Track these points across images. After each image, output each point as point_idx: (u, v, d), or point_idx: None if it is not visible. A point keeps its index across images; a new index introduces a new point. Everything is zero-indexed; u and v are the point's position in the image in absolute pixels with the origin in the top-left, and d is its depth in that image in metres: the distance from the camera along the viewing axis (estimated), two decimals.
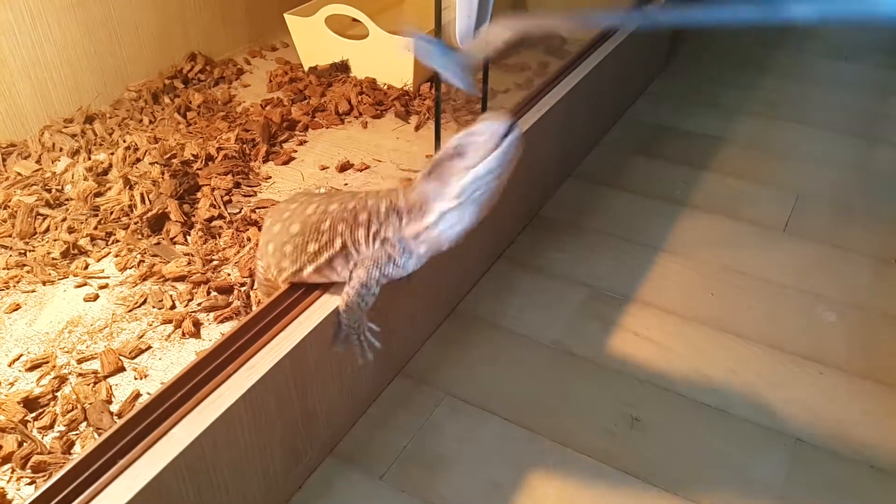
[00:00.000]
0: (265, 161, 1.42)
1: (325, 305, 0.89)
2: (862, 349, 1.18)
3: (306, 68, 1.75)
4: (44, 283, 1.13)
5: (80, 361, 1.00)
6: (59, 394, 0.96)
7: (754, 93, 2.04)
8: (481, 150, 0.77)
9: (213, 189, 1.30)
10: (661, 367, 1.15)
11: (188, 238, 1.20)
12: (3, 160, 1.37)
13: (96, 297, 1.11)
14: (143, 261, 1.16)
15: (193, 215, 1.24)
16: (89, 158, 1.38)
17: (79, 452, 0.88)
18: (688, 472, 0.98)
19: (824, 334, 1.21)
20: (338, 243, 0.88)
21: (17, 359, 1.00)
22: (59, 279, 1.14)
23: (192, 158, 1.38)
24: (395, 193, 0.87)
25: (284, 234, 0.92)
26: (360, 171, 1.41)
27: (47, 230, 1.22)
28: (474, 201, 0.80)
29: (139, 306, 1.09)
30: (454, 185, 0.79)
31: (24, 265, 1.15)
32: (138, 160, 1.38)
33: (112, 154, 1.38)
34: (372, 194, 0.89)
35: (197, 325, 1.05)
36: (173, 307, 1.08)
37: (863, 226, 1.48)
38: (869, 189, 1.62)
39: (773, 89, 2.07)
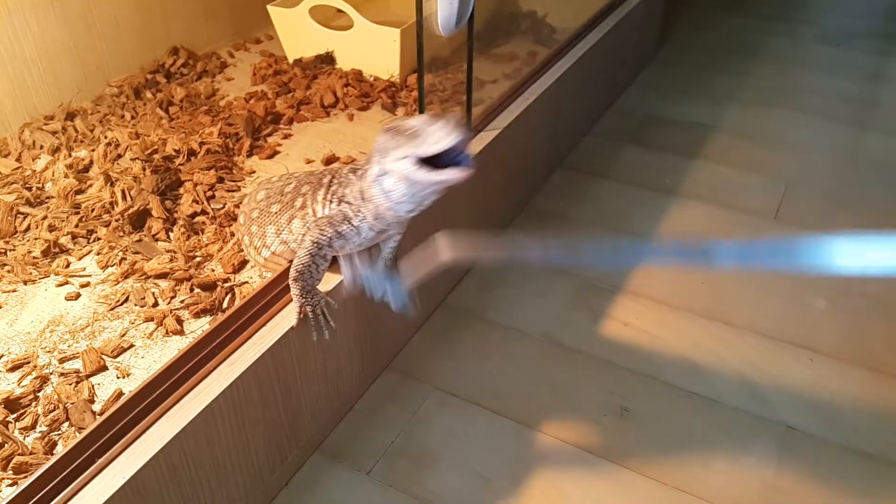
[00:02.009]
0: (249, 155, 1.40)
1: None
2: (852, 336, 1.18)
3: (291, 61, 1.73)
4: (25, 283, 1.11)
5: (61, 361, 0.99)
6: (40, 394, 0.94)
7: (745, 80, 2.03)
8: (424, 145, 0.76)
9: (195, 184, 1.28)
10: (651, 356, 1.14)
11: (170, 234, 1.18)
12: None
13: (78, 295, 1.09)
14: (125, 258, 1.14)
15: (176, 211, 1.23)
16: (70, 155, 1.36)
17: (60, 451, 0.87)
18: (678, 461, 0.98)
19: (815, 322, 1.20)
20: (298, 202, 0.89)
21: None
22: (40, 278, 1.12)
23: (174, 154, 1.37)
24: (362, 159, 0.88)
25: (252, 202, 0.96)
26: (347, 164, 1.39)
27: (28, 229, 1.20)
28: (410, 184, 0.80)
29: (121, 304, 1.07)
30: (396, 152, 0.78)
31: (5, 264, 1.13)
32: (119, 156, 1.36)
33: (93, 151, 1.36)
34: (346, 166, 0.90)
35: (180, 322, 1.03)
36: (156, 305, 1.07)
37: (853, 212, 1.47)
38: (859, 176, 1.61)
39: (764, 76, 2.06)
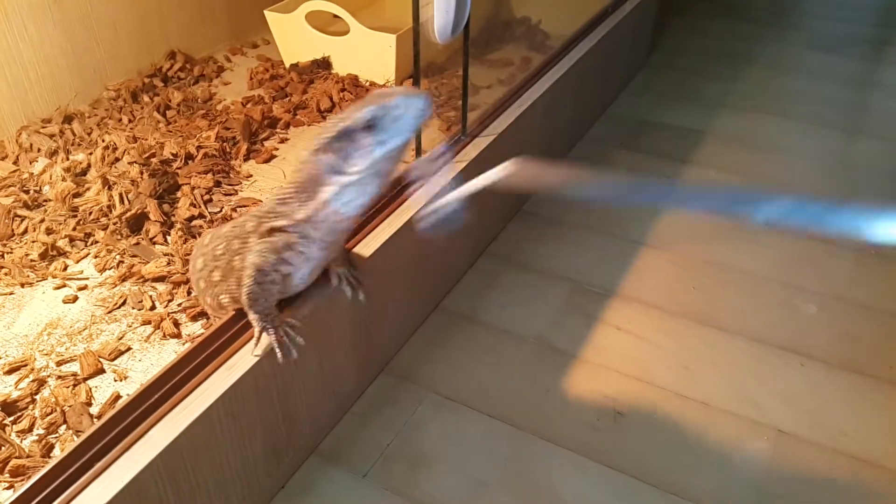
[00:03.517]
0: (246, 159, 1.41)
1: (304, 304, 0.89)
2: (842, 341, 1.19)
3: (287, 65, 1.74)
4: (22, 285, 1.11)
5: (59, 364, 0.99)
6: (37, 397, 0.95)
7: (737, 86, 2.05)
8: (397, 124, 0.74)
9: (193, 188, 1.29)
10: (644, 360, 1.15)
11: (168, 238, 1.19)
12: None
13: (75, 298, 1.09)
14: (123, 261, 1.14)
15: (173, 215, 1.23)
16: (67, 159, 1.36)
17: (58, 456, 0.87)
18: (670, 466, 0.99)
19: (805, 326, 1.22)
20: (236, 261, 0.84)
21: None
22: (37, 281, 1.12)
23: (171, 157, 1.37)
24: (281, 189, 0.83)
25: (195, 272, 0.91)
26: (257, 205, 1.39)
27: (25, 231, 1.20)
28: (377, 174, 0.77)
29: (119, 307, 1.08)
30: (361, 158, 0.76)
31: (2, 267, 1.13)
32: (117, 160, 1.36)
33: (90, 154, 1.37)
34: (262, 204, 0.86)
35: (177, 325, 1.04)
36: (153, 308, 1.07)
37: None
38: (849, 181, 1.63)
39: (755, 82, 2.08)
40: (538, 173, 0.58)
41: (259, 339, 0.82)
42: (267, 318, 0.82)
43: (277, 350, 0.82)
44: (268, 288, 0.81)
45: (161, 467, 0.72)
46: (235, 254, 0.85)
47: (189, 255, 1.15)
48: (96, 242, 1.18)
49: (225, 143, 1.42)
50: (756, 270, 1.34)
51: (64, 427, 0.91)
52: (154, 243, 1.18)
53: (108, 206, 1.23)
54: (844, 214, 0.39)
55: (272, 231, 0.82)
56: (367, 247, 1.00)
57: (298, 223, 0.81)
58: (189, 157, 1.38)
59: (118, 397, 0.95)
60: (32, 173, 1.32)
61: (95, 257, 1.16)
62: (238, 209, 1.26)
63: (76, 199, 1.26)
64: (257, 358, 0.81)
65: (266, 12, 1.72)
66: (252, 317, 0.82)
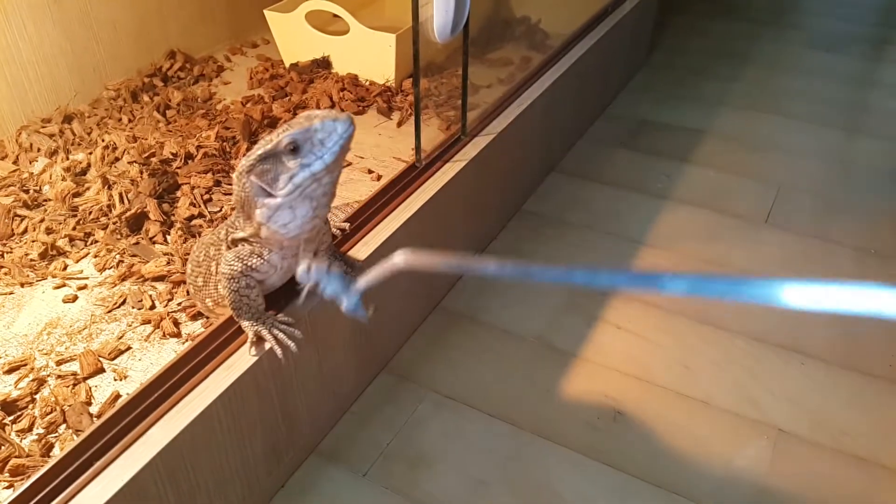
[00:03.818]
0: None
1: (303, 303, 0.89)
2: (843, 339, 1.19)
3: (287, 65, 1.74)
4: (22, 285, 1.11)
5: (58, 363, 0.99)
6: (37, 396, 0.94)
7: (736, 85, 2.05)
8: (319, 147, 0.73)
9: (192, 188, 1.28)
10: (644, 359, 1.15)
11: (168, 237, 1.19)
12: None
13: (75, 298, 1.09)
14: (123, 261, 1.14)
15: (173, 214, 1.23)
16: (67, 158, 1.36)
17: (57, 455, 0.87)
18: (670, 465, 0.99)
19: (806, 325, 1.22)
20: (213, 267, 0.88)
21: None
22: (37, 280, 1.12)
23: (171, 157, 1.37)
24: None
25: (188, 276, 0.96)
26: (343, 167, 1.40)
27: (25, 231, 1.20)
28: (307, 197, 0.76)
29: (118, 307, 1.07)
30: (285, 181, 0.75)
31: (2, 267, 1.13)
32: (117, 159, 1.36)
33: (90, 154, 1.37)
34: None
35: (177, 324, 1.04)
36: (153, 307, 1.07)
37: (844, 217, 1.49)
38: (850, 180, 1.63)
39: (755, 81, 2.08)
40: (425, 262, 0.58)
41: (254, 342, 0.82)
42: (258, 320, 0.83)
43: (276, 348, 0.82)
44: (246, 293, 0.82)
45: (161, 467, 0.72)
46: (212, 260, 0.88)
47: (188, 254, 1.15)
48: (96, 242, 1.18)
49: (225, 143, 1.42)
50: (756, 269, 1.34)
51: (64, 426, 0.91)
52: (154, 243, 1.18)
53: (108, 206, 1.23)
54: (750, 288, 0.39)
55: (235, 242, 0.84)
56: (366, 246, 1.00)
57: (252, 236, 0.82)
58: (189, 156, 1.38)
59: (118, 396, 0.95)
60: (32, 173, 1.32)
61: (95, 257, 1.16)
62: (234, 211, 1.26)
63: (76, 199, 1.26)
64: (256, 357, 0.81)
65: (266, 12, 1.72)
66: (243, 324, 0.83)
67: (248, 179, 0.77)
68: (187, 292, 1.09)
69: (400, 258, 0.58)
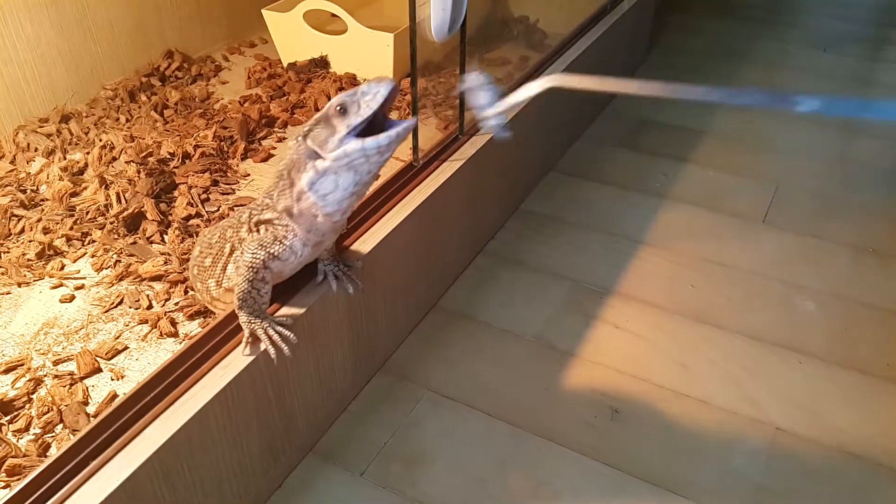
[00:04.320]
0: (243, 158, 1.41)
1: (300, 302, 0.89)
2: (840, 338, 1.19)
3: (285, 64, 1.74)
4: (19, 285, 1.11)
5: (55, 363, 0.99)
6: (34, 396, 0.94)
7: (734, 84, 2.05)
8: (364, 105, 0.76)
9: (190, 187, 1.28)
10: (642, 358, 1.15)
11: (165, 237, 1.19)
12: None
13: (72, 297, 1.09)
14: (120, 261, 1.14)
15: (170, 214, 1.23)
16: (65, 158, 1.36)
17: (54, 454, 0.87)
18: (668, 463, 0.99)
19: (804, 324, 1.22)
20: (227, 248, 0.88)
21: None
22: (34, 280, 1.12)
23: (168, 157, 1.37)
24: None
25: (193, 259, 0.95)
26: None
27: (22, 231, 1.20)
28: (353, 168, 0.78)
29: (115, 307, 1.07)
30: (333, 145, 0.77)
31: None
32: (114, 159, 1.36)
33: (88, 153, 1.37)
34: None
35: (174, 324, 1.04)
36: (150, 307, 1.07)
37: (841, 216, 1.49)
38: (847, 180, 1.63)
39: (753, 80, 2.08)
40: (574, 82, 0.60)
41: (249, 340, 0.82)
42: (256, 319, 0.82)
43: (270, 348, 0.81)
44: (259, 286, 0.82)
45: (157, 466, 0.72)
46: (227, 241, 0.88)
47: (186, 254, 1.15)
48: (93, 242, 1.18)
49: (222, 143, 1.42)
50: (754, 268, 1.34)
51: (60, 426, 0.91)
52: (151, 242, 1.18)
53: (106, 206, 1.23)
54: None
55: (259, 224, 0.85)
56: (365, 244, 1.00)
57: (282, 215, 0.83)
58: (186, 156, 1.38)
59: (115, 396, 0.94)
60: (29, 173, 1.32)
61: (92, 256, 1.16)
62: (235, 208, 1.26)
63: (73, 199, 1.26)
64: (253, 357, 0.81)
65: (264, 11, 1.71)
66: (242, 318, 0.82)
67: (302, 143, 0.79)
68: (185, 291, 1.09)
69: (550, 78, 0.60)
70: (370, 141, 0.76)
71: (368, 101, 0.76)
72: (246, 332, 0.82)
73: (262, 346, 0.82)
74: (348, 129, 0.76)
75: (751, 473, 0.97)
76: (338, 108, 0.76)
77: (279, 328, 0.83)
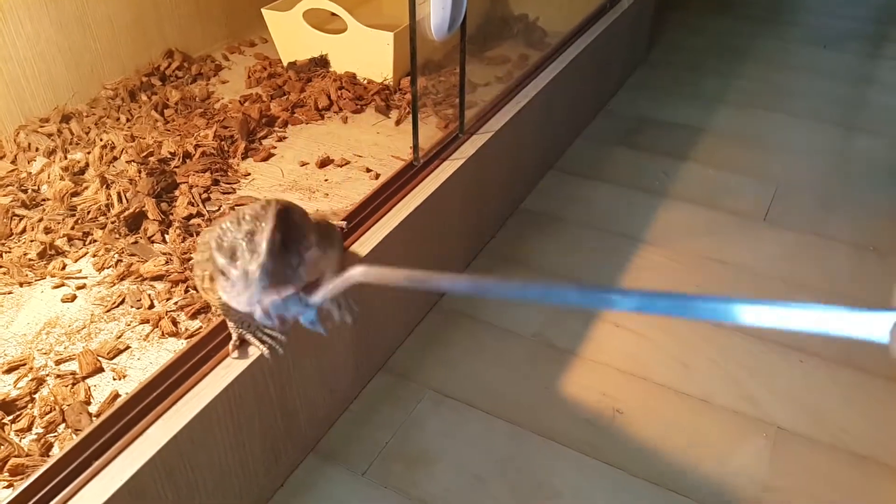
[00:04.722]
0: (244, 158, 1.41)
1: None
2: (842, 337, 1.19)
3: (285, 64, 1.74)
4: (20, 285, 1.11)
5: (57, 363, 0.99)
6: (36, 396, 0.94)
7: (734, 82, 2.05)
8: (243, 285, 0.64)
9: (191, 187, 1.28)
10: (642, 357, 1.15)
11: (166, 237, 1.19)
12: None
13: (74, 297, 1.09)
14: (121, 260, 1.14)
15: (171, 214, 1.23)
16: (65, 158, 1.36)
17: (57, 454, 0.87)
18: (670, 462, 0.99)
19: None
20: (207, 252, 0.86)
21: None
22: (36, 280, 1.12)
23: (169, 156, 1.37)
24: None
25: (197, 248, 0.94)
26: (341, 166, 1.40)
27: (23, 231, 1.20)
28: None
29: (117, 306, 1.07)
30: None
31: (1, 266, 1.13)
32: (115, 159, 1.36)
33: (88, 153, 1.37)
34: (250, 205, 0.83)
35: (175, 324, 1.04)
36: (152, 306, 1.07)
37: (842, 214, 1.49)
38: (848, 177, 1.63)
39: (753, 78, 2.08)
40: (382, 276, 0.58)
41: (236, 344, 0.82)
42: (242, 323, 0.82)
43: (263, 349, 0.81)
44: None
45: (159, 465, 0.72)
46: (212, 225, 0.86)
47: (187, 253, 1.15)
48: (95, 241, 1.18)
49: (223, 142, 1.42)
50: (755, 266, 1.34)
51: (63, 426, 0.91)
52: (152, 242, 1.18)
53: (107, 205, 1.23)
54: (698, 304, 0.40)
55: None
56: (364, 245, 1.00)
57: None
58: (187, 155, 1.38)
59: (117, 396, 0.95)
60: (30, 172, 1.32)
61: (94, 256, 1.16)
62: (236, 208, 1.26)
63: (74, 199, 1.26)
64: (253, 357, 0.81)
65: (263, 10, 1.71)
66: (229, 324, 0.83)
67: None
68: (187, 290, 1.09)
69: (357, 272, 0.58)
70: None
71: (234, 293, 0.64)
72: (234, 337, 0.82)
73: (252, 350, 0.82)
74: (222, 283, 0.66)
75: (752, 473, 0.98)
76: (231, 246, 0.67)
77: (267, 331, 0.83)
